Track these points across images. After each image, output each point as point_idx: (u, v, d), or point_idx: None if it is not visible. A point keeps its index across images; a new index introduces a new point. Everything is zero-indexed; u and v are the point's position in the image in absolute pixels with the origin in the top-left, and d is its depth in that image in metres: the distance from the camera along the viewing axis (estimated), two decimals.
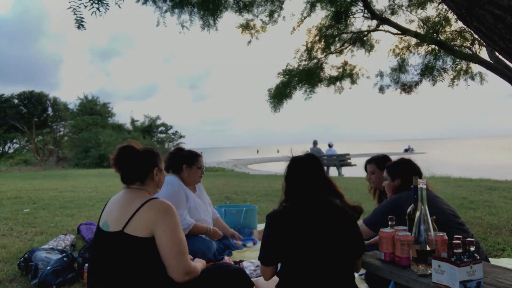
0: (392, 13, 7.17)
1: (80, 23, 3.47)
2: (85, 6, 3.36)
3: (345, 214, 1.84)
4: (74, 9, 3.34)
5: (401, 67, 7.77)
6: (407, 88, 7.78)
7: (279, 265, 1.87)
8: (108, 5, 3.48)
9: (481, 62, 6.16)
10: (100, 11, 3.43)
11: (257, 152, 69.95)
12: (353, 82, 8.27)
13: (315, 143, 14.86)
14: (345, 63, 8.20)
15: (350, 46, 7.91)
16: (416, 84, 7.65)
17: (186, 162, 3.38)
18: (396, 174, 2.57)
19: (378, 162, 3.09)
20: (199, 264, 2.11)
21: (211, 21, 7.21)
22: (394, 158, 3.09)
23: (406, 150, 50.06)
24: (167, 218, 1.78)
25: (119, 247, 1.75)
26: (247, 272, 2.59)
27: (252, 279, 2.19)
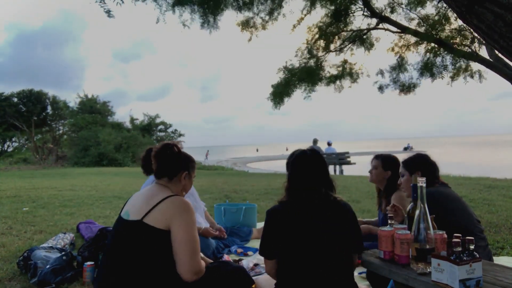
0: (392, 11, 7.17)
1: (108, 13, 3.99)
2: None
3: (344, 211, 1.85)
4: (101, 1, 3.88)
5: (400, 66, 7.77)
6: (405, 88, 7.79)
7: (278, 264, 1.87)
8: None
9: (481, 60, 6.16)
10: (123, 2, 3.93)
11: (257, 150, 69.96)
12: (353, 80, 8.26)
13: (315, 141, 14.86)
14: (345, 61, 8.19)
15: (350, 45, 7.90)
16: (415, 86, 7.67)
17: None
18: (414, 169, 2.48)
19: (384, 160, 3.07)
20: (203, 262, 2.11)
21: (211, 19, 7.19)
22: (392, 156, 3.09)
23: (405, 148, 50.07)
24: (184, 214, 1.83)
25: (135, 235, 1.81)
26: (247, 270, 2.58)
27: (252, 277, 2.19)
